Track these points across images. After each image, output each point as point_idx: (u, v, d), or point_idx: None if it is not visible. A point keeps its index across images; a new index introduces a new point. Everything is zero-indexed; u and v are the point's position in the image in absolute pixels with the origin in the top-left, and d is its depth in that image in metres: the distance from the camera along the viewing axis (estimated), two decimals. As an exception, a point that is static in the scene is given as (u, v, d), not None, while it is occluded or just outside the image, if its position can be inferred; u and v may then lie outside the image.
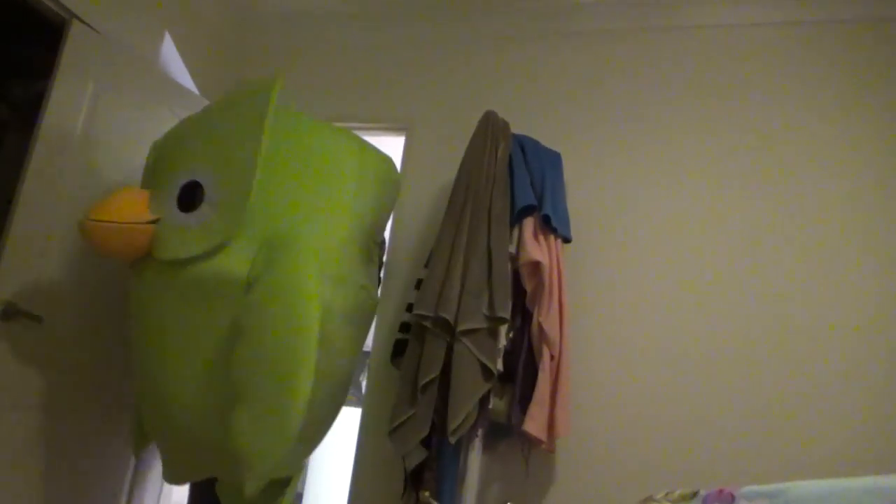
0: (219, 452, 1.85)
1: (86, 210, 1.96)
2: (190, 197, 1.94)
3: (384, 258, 2.86)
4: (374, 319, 2.54)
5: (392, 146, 3.13)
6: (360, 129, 3.05)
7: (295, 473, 2.26)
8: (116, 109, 2.55)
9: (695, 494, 0.94)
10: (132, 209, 1.94)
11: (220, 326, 1.84)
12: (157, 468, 2.74)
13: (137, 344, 2.06)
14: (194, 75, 3.15)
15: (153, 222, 1.93)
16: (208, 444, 1.93)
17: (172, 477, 2.18)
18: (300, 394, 1.68)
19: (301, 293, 1.77)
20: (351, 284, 2.07)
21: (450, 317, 2.14)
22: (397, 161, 2.96)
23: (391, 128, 3.01)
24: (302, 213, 1.98)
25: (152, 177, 2.10)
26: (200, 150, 2.01)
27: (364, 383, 2.79)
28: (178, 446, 2.06)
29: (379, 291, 2.62)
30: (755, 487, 0.90)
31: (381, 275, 2.68)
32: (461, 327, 2.14)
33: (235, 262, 1.85)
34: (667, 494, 0.97)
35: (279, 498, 2.21)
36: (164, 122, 2.76)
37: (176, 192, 1.95)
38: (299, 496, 2.82)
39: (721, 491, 0.92)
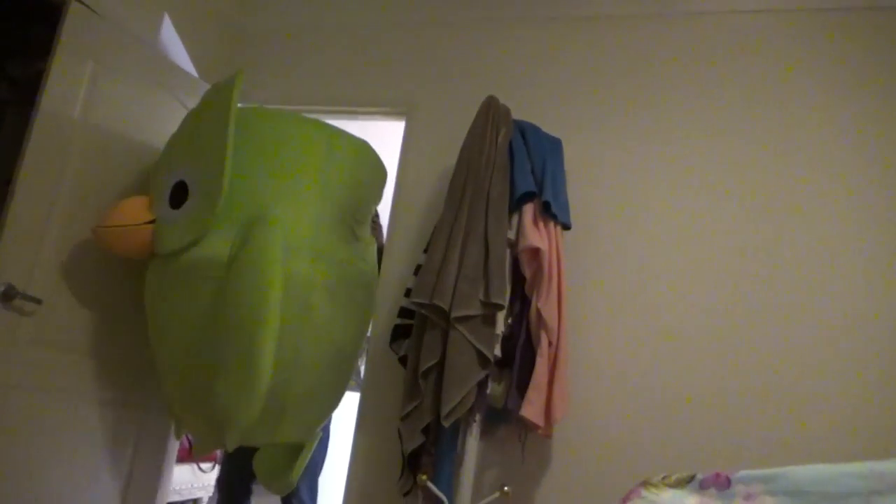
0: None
1: (98, 218, 2.27)
2: (180, 195, 2.17)
3: (383, 241, 2.87)
4: (371, 272, 2.51)
5: (392, 131, 3.13)
6: (359, 113, 3.05)
7: (307, 441, 2.44)
8: (115, 90, 2.54)
9: (692, 478, 0.95)
10: (134, 213, 2.22)
11: (205, 302, 2.06)
12: (158, 449, 2.76)
13: (155, 332, 2.27)
14: (194, 57, 3.13)
15: (151, 222, 2.20)
16: (203, 408, 2.12)
17: (199, 447, 2.53)
18: (264, 354, 1.85)
19: (263, 264, 1.96)
20: (329, 258, 2.21)
21: (445, 304, 2.15)
22: (397, 146, 2.96)
23: (391, 112, 3.00)
24: (273, 196, 2.16)
25: (153, 177, 2.36)
26: (183, 151, 2.28)
27: (362, 368, 2.80)
28: (200, 420, 2.26)
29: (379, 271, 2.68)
30: (751, 471, 0.91)
31: (379, 256, 2.72)
32: (455, 314, 2.14)
33: (217, 246, 2.08)
34: (664, 478, 0.98)
35: (293, 463, 2.44)
36: (163, 104, 2.75)
37: (167, 192, 2.20)
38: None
39: (717, 475, 0.93)
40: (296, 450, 2.45)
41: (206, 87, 2.97)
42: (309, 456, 2.51)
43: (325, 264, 2.19)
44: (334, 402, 2.44)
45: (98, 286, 2.50)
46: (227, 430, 1.94)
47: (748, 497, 0.88)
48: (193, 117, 2.35)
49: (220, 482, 2.97)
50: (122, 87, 2.56)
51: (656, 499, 0.91)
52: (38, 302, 2.25)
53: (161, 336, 2.25)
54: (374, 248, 2.61)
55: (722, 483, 0.92)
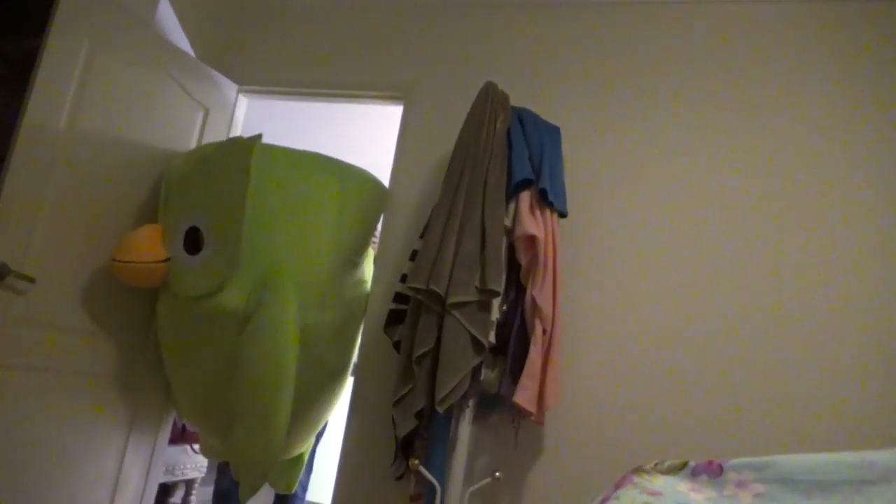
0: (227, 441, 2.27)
1: (112, 249, 2.38)
2: (193, 239, 2.30)
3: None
4: (368, 290, 2.68)
5: (389, 115, 3.12)
6: (357, 96, 3.03)
7: (304, 450, 2.72)
8: (111, 70, 2.52)
9: (684, 465, 0.96)
10: (149, 249, 2.35)
11: (224, 348, 2.24)
12: (151, 429, 2.76)
13: (171, 363, 2.48)
14: (191, 38, 3.11)
15: (166, 260, 2.34)
16: (219, 433, 2.42)
17: (206, 451, 2.72)
18: (279, 419, 2.08)
19: (279, 331, 2.13)
20: (338, 303, 2.43)
21: (441, 289, 2.15)
22: (394, 130, 2.95)
23: (389, 96, 2.98)
24: (286, 252, 2.29)
25: (165, 213, 2.46)
26: (198, 198, 2.34)
27: (356, 353, 2.80)
28: (214, 438, 2.53)
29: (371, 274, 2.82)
30: (743, 459, 0.92)
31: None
32: (451, 300, 2.15)
33: (233, 299, 2.22)
34: (656, 465, 0.98)
35: (294, 466, 2.74)
36: (160, 85, 2.73)
37: (182, 235, 2.31)
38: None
39: (710, 462, 0.93)
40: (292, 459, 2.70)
41: (203, 68, 2.96)
42: (304, 462, 2.79)
43: (334, 310, 2.40)
44: (329, 412, 2.66)
45: (93, 266, 2.49)
46: (243, 482, 2.17)
47: (740, 484, 0.89)
48: (206, 162, 2.40)
49: (217, 493, 2.96)
50: (118, 66, 2.54)
51: (649, 485, 0.92)
52: (32, 281, 2.25)
53: (179, 369, 2.45)
54: (371, 257, 2.78)
55: (714, 470, 0.92)
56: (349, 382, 2.72)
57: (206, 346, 2.31)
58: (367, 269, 2.75)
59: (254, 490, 2.20)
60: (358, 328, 2.66)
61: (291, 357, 2.10)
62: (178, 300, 2.34)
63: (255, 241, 2.22)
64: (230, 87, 3.11)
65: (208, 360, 2.32)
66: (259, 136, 2.25)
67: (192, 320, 2.32)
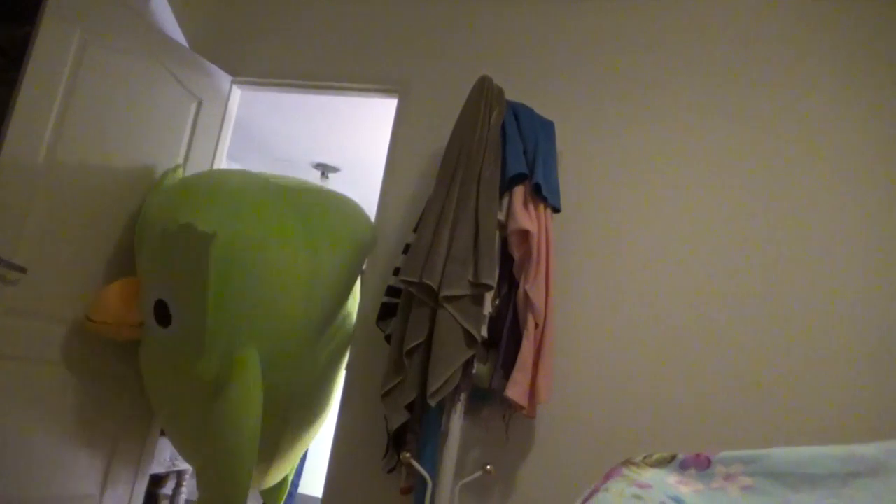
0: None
1: (86, 306, 2.36)
2: (162, 313, 2.24)
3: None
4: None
5: (384, 108, 3.11)
6: (351, 89, 3.02)
7: (289, 473, 2.79)
8: (104, 58, 2.50)
9: (673, 458, 0.96)
10: (123, 310, 2.32)
11: (196, 402, 2.27)
12: (142, 420, 2.76)
13: (151, 394, 2.50)
14: (184, 28, 3.09)
15: (140, 324, 2.33)
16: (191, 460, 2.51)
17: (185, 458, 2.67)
18: (241, 485, 2.10)
19: (243, 417, 2.10)
20: (316, 359, 2.41)
21: (434, 283, 2.15)
22: (389, 122, 2.94)
23: (384, 89, 2.97)
24: (254, 330, 2.20)
25: (139, 262, 2.42)
26: (162, 272, 2.26)
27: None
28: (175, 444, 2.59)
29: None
30: (731, 453, 0.92)
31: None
32: (444, 293, 2.15)
33: (203, 372, 2.19)
34: (645, 458, 0.99)
35: (279, 491, 2.83)
36: (153, 75, 2.71)
37: (151, 306, 2.26)
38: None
39: (698, 455, 0.94)
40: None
41: (197, 59, 2.94)
42: (289, 484, 2.88)
43: (314, 363, 2.40)
44: (316, 433, 2.72)
45: (84, 257, 2.48)
46: None
47: (728, 478, 0.89)
48: (166, 239, 2.23)
49: None
50: (110, 56, 2.53)
51: (637, 478, 0.92)
52: (23, 271, 2.23)
53: (157, 400, 2.50)
54: (357, 284, 2.72)
55: (702, 463, 0.93)
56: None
57: (178, 394, 2.36)
58: (353, 301, 2.70)
59: None
60: (343, 359, 2.66)
61: (253, 440, 2.10)
62: (154, 352, 2.38)
63: (221, 321, 2.15)
64: (224, 79, 3.09)
65: (180, 402, 2.38)
66: (214, 235, 2.08)
67: (165, 377, 2.38)
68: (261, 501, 3.00)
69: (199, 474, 2.21)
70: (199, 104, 2.96)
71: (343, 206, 2.52)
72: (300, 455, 2.71)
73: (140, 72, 2.66)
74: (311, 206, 2.39)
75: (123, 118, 2.60)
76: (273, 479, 2.65)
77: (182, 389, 2.32)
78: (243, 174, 2.44)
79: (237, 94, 3.20)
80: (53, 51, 2.32)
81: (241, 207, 2.23)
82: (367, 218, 2.60)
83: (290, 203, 2.34)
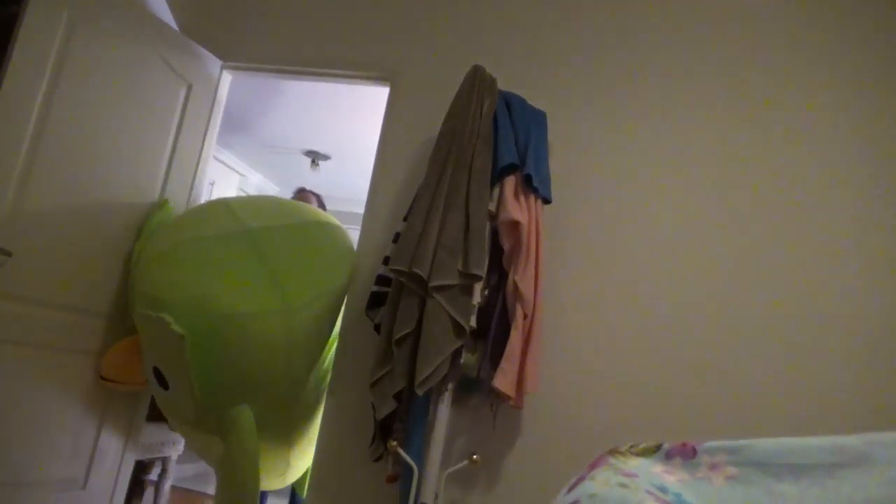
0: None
1: (101, 364, 2.54)
2: (159, 377, 2.32)
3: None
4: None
5: (376, 96, 3.09)
6: (342, 76, 3.00)
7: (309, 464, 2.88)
8: (92, 40, 2.47)
9: (658, 447, 0.97)
10: (130, 370, 2.50)
11: (207, 446, 2.55)
12: (128, 405, 2.74)
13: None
14: (174, 10, 3.06)
15: (146, 382, 2.44)
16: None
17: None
18: None
19: (242, 470, 2.26)
20: (306, 400, 2.60)
21: (423, 272, 2.15)
22: (380, 111, 2.92)
23: (375, 76, 2.95)
24: (241, 392, 2.28)
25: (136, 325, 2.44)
26: (152, 345, 2.33)
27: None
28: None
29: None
30: (717, 442, 0.93)
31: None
32: (434, 283, 2.14)
33: (204, 425, 2.34)
34: (631, 447, 0.99)
35: (304, 481, 2.97)
36: (143, 59, 2.68)
37: (150, 370, 2.35)
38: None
39: (684, 445, 0.94)
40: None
41: (187, 43, 2.91)
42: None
43: (300, 407, 2.58)
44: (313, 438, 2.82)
45: (69, 240, 2.45)
46: None
47: (713, 467, 0.90)
48: (148, 318, 2.23)
49: None
50: (99, 36, 2.49)
51: (623, 466, 0.93)
52: (8, 254, 2.21)
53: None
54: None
55: (688, 453, 0.93)
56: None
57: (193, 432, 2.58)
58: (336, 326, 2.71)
59: None
60: (329, 372, 2.75)
61: (253, 484, 2.28)
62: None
63: (208, 389, 2.22)
64: (214, 63, 3.06)
65: (199, 440, 2.64)
66: (183, 337, 2.13)
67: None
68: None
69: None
70: (189, 88, 2.93)
71: (320, 251, 2.50)
72: (312, 453, 2.78)
73: (129, 54, 2.62)
74: (285, 261, 2.36)
75: (112, 101, 2.57)
76: (293, 477, 2.95)
77: (196, 434, 2.55)
78: (218, 223, 2.40)
79: (227, 79, 3.17)
80: (40, 31, 2.29)
81: (214, 298, 2.21)
82: (344, 253, 2.57)
83: (264, 260, 2.31)
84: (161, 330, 2.15)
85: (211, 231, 2.36)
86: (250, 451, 2.26)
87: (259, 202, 2.65)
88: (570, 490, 0.91)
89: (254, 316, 2.22)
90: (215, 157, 5.58)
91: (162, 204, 2.76)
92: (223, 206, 2.50)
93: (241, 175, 6.37)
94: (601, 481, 0.88)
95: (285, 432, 2.58)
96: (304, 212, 2.62)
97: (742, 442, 0.90)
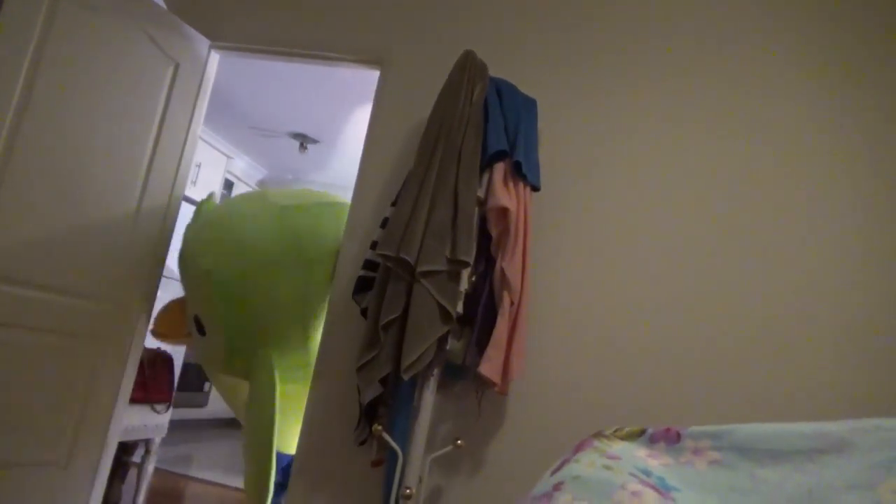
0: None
1: (154, 321, 3.02)
2: (198, 325, 2.85)
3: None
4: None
5: (366, 80, 3.06)
6: (331, 59, 2.98)
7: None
8: (77, 16, 2.43)
9: (643, 432, 0.98)
10: (176, 324, 3.01)
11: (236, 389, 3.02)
12: (111, 386, 2.72)
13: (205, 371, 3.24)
14: (163, -11, 3.01)
15: (189, 333, 2.97)
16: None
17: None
18: (268, 459, 2.64)
19: (263, 409, 2.69)
20: (315, 337, 2.83)
21: (411, 258, 2.14)
22: (370, 95, 2.90)
23: (365, 60, 2.93)
24: (266, 337, 2.76)
25: (183, 287, 2.99)
26: (195, 298, 2.85)
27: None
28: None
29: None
30: (700, 427, 0.94)
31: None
32: (421, 269, 2.14)
33: (237, 366, 2.83)
34: (616, 431, 1.00)
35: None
36: (129, 37, 2.64)
37: (192, 319, 2.89)
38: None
39: (668, 430, 0.95)
40: None
41: (175, 21, 2.87)
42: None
43: (311, 345, 2.83)
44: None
45: (55, 220, 2.42)
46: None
47: (696, 452, 0.91)
48: (186, 269, 2.88)
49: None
50: (84, 13, 2.45)
51: (608, 449, 0.93)
52: (-11, 232, 2.18)
53: (216, 384, 3.22)
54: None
55: (672, 438, 0.94)
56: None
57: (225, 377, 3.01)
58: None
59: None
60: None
61: (272, 431, 2.63)
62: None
63: (239, 334, 2.74)
64: (202, 43, 3.02)
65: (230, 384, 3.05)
66: (209, 272, 2.70)
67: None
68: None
69: (244, 447, 2.82)
70: (176, 68, 2.89)
71: (332, 221, 2.91)
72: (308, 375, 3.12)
73: (115, 31, 2.58)
74: (305, 227, 2.83)
75: (96, 80, 2.53)
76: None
77: (226, 379, 2.97)
78: (253, 204, 2.91)
79: (215, 59, 3.13)
80: (23, 6, 2.24)
81: (245, 248, 2.73)
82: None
83: (288, 227, 2.80)
84: (196, 274, 2.75)
85: (246, 207, 2.89)
86: (269, 393, 2.65)
87: (291, 191, 3.12)
88: (554, 472, 0.91)
89: (277, 264, 2.70)
90: (202, 139, 5.53)
91: (208, 197, 3.15)
92: (259, 193, 3.07)
93: (229, 157, 6.32)
94: (586, 463, 0.89)
95: (303, 376, 2.82)
96: (326, 196, 3.11)
97: (725, 427, 0.91)
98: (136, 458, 3.31)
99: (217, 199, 3.21)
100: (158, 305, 3.05)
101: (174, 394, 3.39)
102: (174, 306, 3.05)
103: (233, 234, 2.77)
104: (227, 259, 2.70)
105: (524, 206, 2.32)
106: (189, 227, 3.00)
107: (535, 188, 2.40)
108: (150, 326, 2.94)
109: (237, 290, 2.67)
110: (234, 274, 2.68)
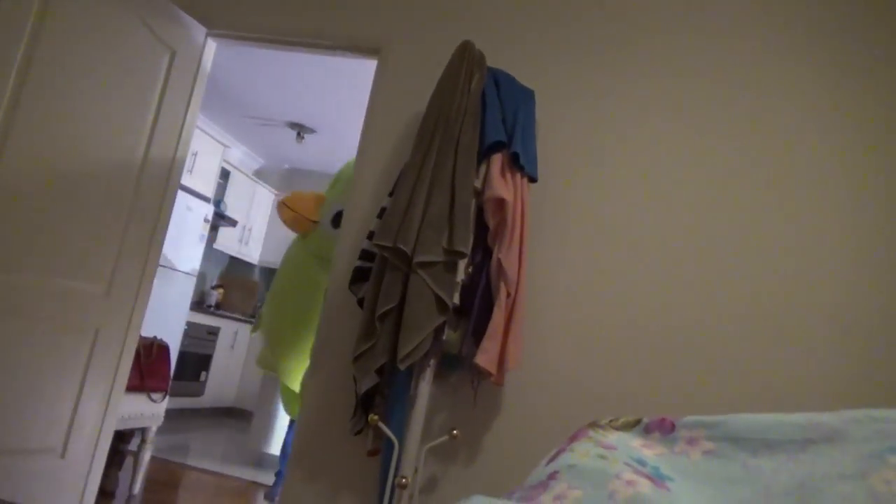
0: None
1: (287, 195, 3.53)
2: (337, 219, 3.22)
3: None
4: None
5: (363, 70, 3.05)
6: (329, 47, 2.96)
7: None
8: (72, 3, 2.41)
9: (638, 422, 0.98)
10: (309, 208, 3.45)
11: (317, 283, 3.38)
12: (107, 375, 2.73)
13: (276, 281, 3.66)
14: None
15: (315, 222, 3.44)
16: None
17: (260, 361, 3.72)
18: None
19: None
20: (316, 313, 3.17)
21: (408, 248, 2.14)
22: (367, 85, 2.89)
23: (363, 49, 2.92)
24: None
25: (329, 191, 3.61)
26: (343, 199, 3.15)
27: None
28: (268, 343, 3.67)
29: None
30: (695, 417, 0.94)
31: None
32: (418, 259, 2.14)
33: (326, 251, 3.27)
34: (611, 421, 1.00)
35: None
36: (123, 21, 2.62)
37: (333, 213, 3.34)
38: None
39: (663, 419, 0.96)
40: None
41: (171, 8, 2.85)
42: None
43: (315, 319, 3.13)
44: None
45: (48, 209, 2.42)
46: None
47: (690, 441, 0.91)
48: (338, 181, 3.56)
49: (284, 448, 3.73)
50: (79, 0, 2.43)
51: (603, 439, 0.94)
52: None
53: (278, 283, 3.67)
54: None
55: (666, 428, 0.95)
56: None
57: (307, 278, 3.44)
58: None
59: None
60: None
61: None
62: (305, 248, 3.51)
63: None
64: (198, 30, 3.01)
65: (304, 288, 3.45)
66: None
67: (306, 261, 3.50)
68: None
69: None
70: (173, 55, 2.88)
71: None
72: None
73: (110, 19, 2.57)
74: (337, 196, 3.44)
75: (91, 66, 2.51)
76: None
77: (314, 267, 3.41)
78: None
79: (212, 47, 3.12)
80: (19, -8, 2.23)
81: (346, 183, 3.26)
82: None
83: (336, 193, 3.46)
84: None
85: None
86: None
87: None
88: (549, 461, 0.92)
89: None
90: (199, 128, 5.50)
91: (348, 163, 3.49)
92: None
93: (225, 146, 6.30)
94: (581, 453, 0.89)
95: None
96: None
97: (719, 418, 0.92)
98: (133, 446, 3.31)
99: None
100: (155, 294, 3.04)
101: (171, 383, 3.39)
102: (312, 194, 3.48)
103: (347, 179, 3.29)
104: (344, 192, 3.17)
105: (521, 196, 2.32)
106: (346, 168, 3.52)
107: (533, 179, 2.39)
108: (284, 200, 3.40)
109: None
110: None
